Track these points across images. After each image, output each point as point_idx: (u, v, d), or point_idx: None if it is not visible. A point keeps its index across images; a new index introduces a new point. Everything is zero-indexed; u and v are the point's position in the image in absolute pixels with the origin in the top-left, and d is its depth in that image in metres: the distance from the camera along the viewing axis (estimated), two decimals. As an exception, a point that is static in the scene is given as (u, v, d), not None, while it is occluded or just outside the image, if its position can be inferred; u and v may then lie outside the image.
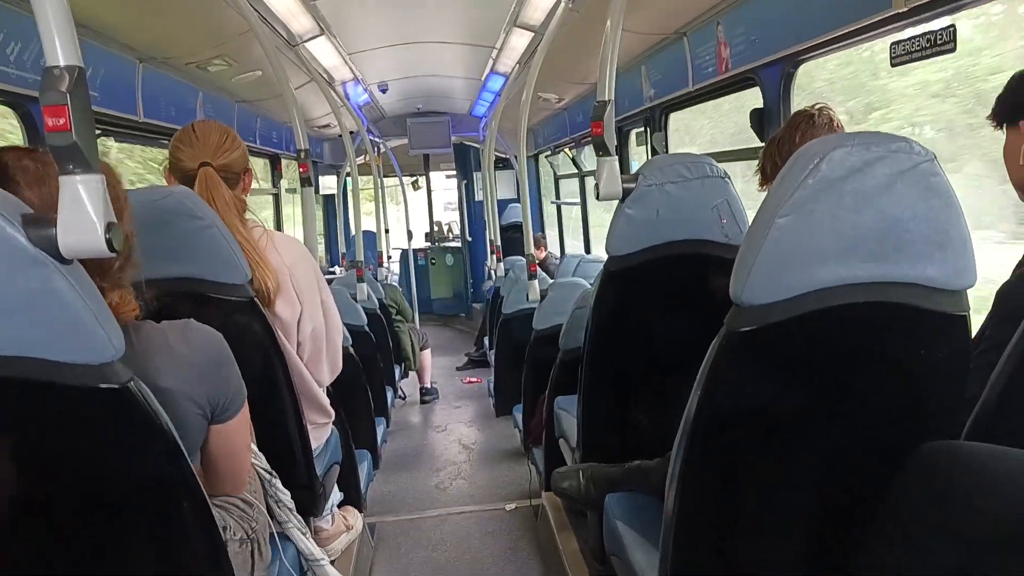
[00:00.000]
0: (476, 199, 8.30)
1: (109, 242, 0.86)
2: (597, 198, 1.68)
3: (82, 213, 0.85)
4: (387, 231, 6.87)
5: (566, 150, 6.03)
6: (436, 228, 9.27)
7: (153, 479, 1.01)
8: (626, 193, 1.66)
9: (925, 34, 1.86)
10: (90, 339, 0.88)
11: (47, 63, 0.85)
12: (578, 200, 6.03)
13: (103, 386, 0.90)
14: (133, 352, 1.08)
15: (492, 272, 5.48)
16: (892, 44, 1.98)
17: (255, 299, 1.58)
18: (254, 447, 1.54)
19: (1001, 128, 1.33)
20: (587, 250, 5.82)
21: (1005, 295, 1.30)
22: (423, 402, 5.38)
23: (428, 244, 9.11)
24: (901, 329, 1.08)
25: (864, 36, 2.11)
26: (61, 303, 0.86)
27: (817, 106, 1.74)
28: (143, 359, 1.11)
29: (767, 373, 1.08)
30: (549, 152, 6.74)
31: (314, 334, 1.87)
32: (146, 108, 3.07)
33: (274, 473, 1.56)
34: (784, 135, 1.74)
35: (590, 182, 5.77)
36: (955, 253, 1.03)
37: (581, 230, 6.02)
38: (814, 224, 0.99)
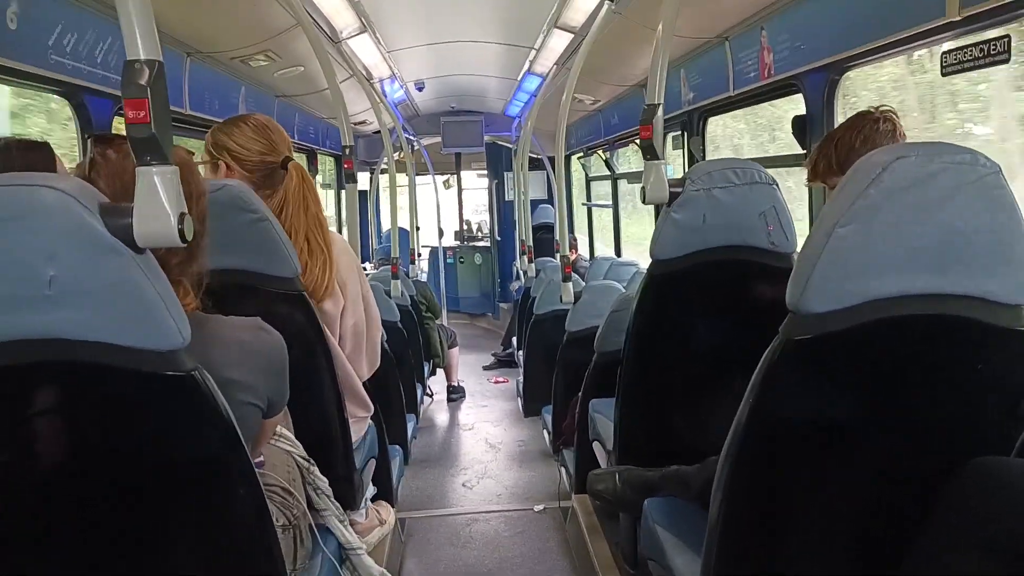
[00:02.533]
0: (506, 199, 8.31)
1: (181, 232, 0.89)
2: (644, 201, 1.68)
3: (157, 204, 0.88)
4: (418, 228, 6.92)
5: (599, 152, 6.02)
6: (466, 227, 9.30)
7: (211, 464, 1.03)
8: (672, 197, 1.66)
9: (978, 43, 1.83)
10: (160, 327, 0.90)
11: (128, 56, 0.88)
12: (609, 203, 6.01)
13: (169, 373, 0.93)
14: (200, 343, 1.11)
15: (521, 272, 5.49)
16: (944, 53, 1.95)
17: (304, 292, 1.60)
18: (291, 435, 1.57)
19: None
20: (618, 253, 5.80)
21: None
22: (450, 400, 5.40)
23: (457, 243, 9.15)
24: (959, 342, 1.07)
25: (914, 44, 2.08)
26: (134, 291, 0.88)
27: (881, 109, 1.72)
28: (209, 350, 1.13)
29: (821, 382, 1.07)
30: (581, 154, 6.73)
31: (355, 328, 1.89)
32: (192, 101, 3.12)
33: (312, 461, 1.59)
34: (843, 135, 1.71)
35: (623, 185, 5.76)
36: (1017, 267, 1.02)
37: (611, 232, 6.01)
38: (875, 234, 0.99)
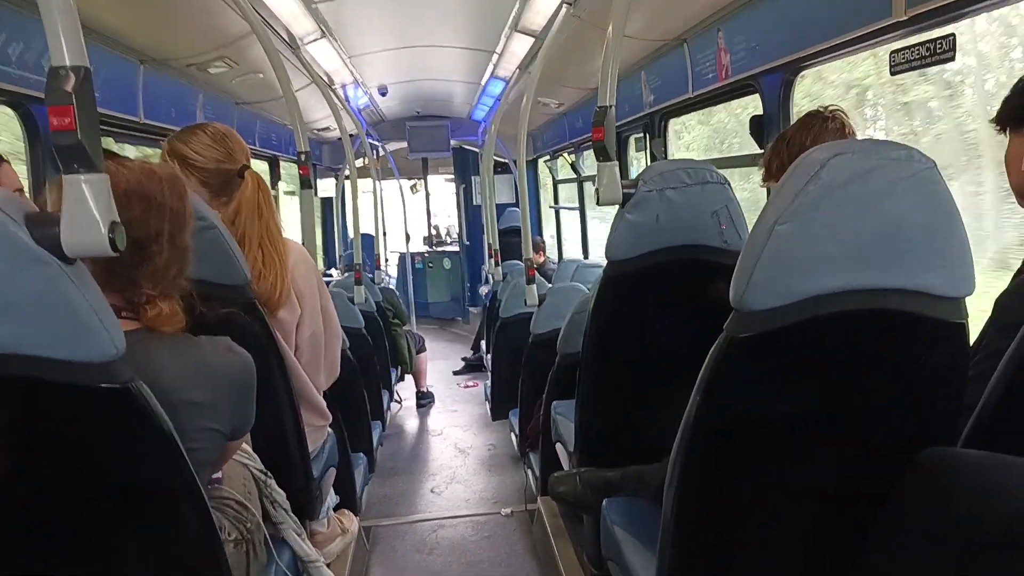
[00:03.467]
0: (474, 203, 8.30)
1: (112, 241, 0.87)
2: (597, 203, 1.68)
3: (86, 212, 0.86)
4: (384, 234, 6.87)
5: (565, 155, 6.04)
6: (434, 232, 9.27)
7: (154, 480, 1.01)
8: (626, 198, 1.66)
9: (925, 43, 1.87)
10: (92, 338, 0.88)
11: (53, 63, 0.85)
12: (576, 205, 6.03)
13: (104, 385, 0.90)
14: (164, 363, 1.10)
15: (490, 276, 5.48)
16: (892, 52, 1.99)
17: (255, 301, 1.58)
18: (248, 448, 1.55)
19: (1004, 133, 1.32)
20: (585, 255, 5.82)
21: (1004, 303, 1.30)
22: (420, 406, 5.37)
23: (426, 248, 9.11)
24: (901, 336, 1.08)
25: (864, 44, 2.11)
26: (64, 301, 0.86)
27: (830, 108, 1.74)
28: (178, 371, 1.12)
29: (766, 379, 1.08)
30: (548, 157, 6.75)
31: (313, 339, 1.87)
32: (147, 109, 3.07)
33: (269, 474, 1.56)
34: (794, 135, 1.74)
35: (589, 187, 5.78)
36: (955, 261, 1.04)
37: (579, 235, 6.03)
38: (815, 231, 1.00)
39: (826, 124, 1.72)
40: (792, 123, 2.51)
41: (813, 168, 0.99)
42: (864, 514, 1.13)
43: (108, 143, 3.10)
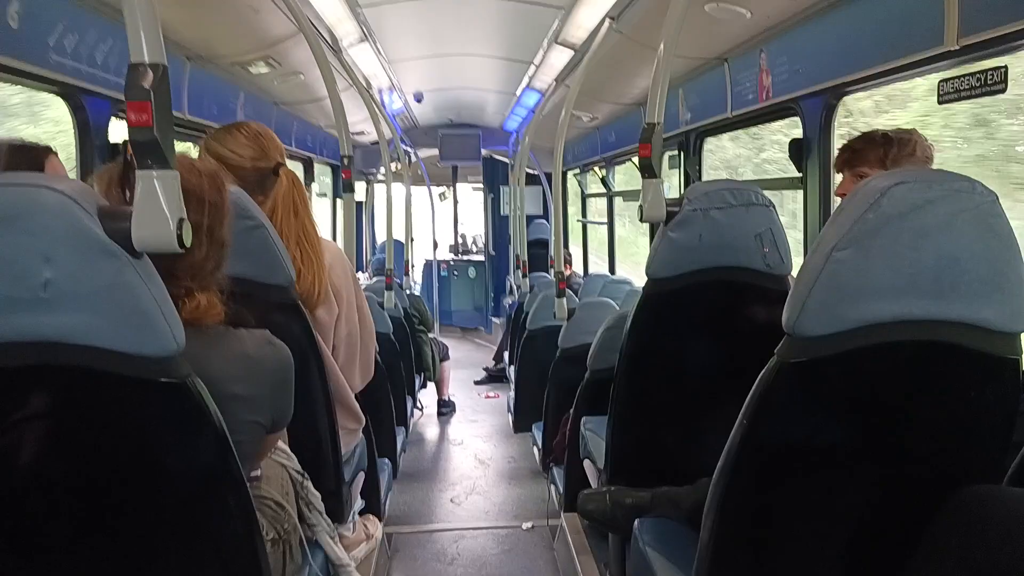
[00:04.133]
0: (501, 213, 8.32)
1: (179, 238, 0.88)
2: (641, 219, 1.68)
3: (156, 208, 0.87)
4: (412, 240, 6.91)
5: (595, 169, 6.04)
6: (460, 240, 9.31)
7: (202, 474, 1.02)
8: (670, 216, 1.66)
9: (976, 73, 1.85)
10: (154, 332, 0.90)
11: (132, 60, 0.87)
12: (604, 220, 6.03)
13: (163, 380, 0.92)
14: (207, 356, 1.12)
15: (515, 287, 5.48)
16: (940, 82, 1.97)
17: (299, 302, 1.60)
18: (286, 448, 1.56)
19: None
20: (612, 270, 5.81)
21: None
22: (440, 414, 5.37)
23: (452, 256, 9.14)
24: (952, 369, 1.07)
25: (912, 72, 2.10)
26: (130, 295, 0.88)
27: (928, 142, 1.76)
28: (215, 364, 1.13)
29: (816, 406, 1.07)
30: (578, 170, 6.75)
31: (349, 338, 1.88)
32: (191, 105, 3.12)
33: (306, 475, 1.57)
34: (887, 140, 1.76)
35: (619, 202, 5.77)
36: (1012, 295, 1.03)
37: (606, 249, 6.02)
38: (872, 259, 0.99)
39: (903, 151, 1.72)
40: (835, 147, 2.52)
41: (873, 196, 0.99)
42: (904, 546, 1.12)
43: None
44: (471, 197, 9.59)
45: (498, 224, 8.41)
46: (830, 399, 1.07)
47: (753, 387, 1.07)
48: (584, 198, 6.95)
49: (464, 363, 7.05)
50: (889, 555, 1.14)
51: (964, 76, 1.89)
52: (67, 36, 2.19)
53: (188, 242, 0.90)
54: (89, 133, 2.37)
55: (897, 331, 1.02)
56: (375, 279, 4.88)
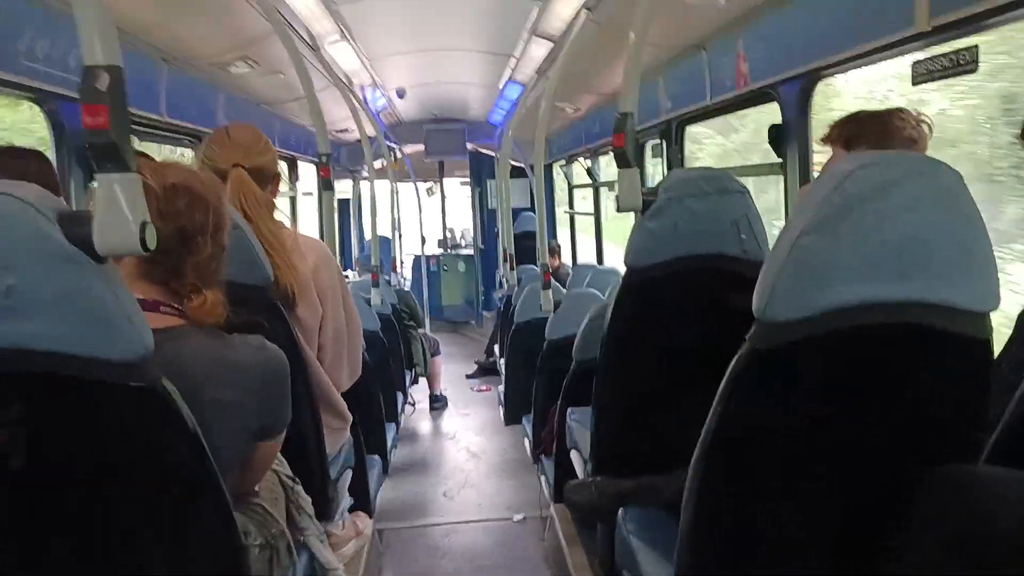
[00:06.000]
0: (489, 207, 8.32)
1: (143, 241, 0.88)
2: (617, 210, 1.68)
3: (118, 212, 0.87)
4: (400, 236, 6.90)
5: (580, 160, 6.04)
6: (449, 235, 9.29)
7: (177, 479, 1.02)
8: (646, 205, 1.66)
9: (947, 54, 1.86)
10: (121, 336, 0.89)
11: (86, 62, 0.87)
12: (591, 211, 6.03)
13: (132, 384, 0.91)
14: (202, 358, 1.14)
15: (504, 280, 5.48)
16: (914, 63, 1.98)
17: (277, 303, 1.59)
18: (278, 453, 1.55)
19: None
20: (599, 261, 5.81)
21: (1027, 319, 1.30)
22: (432, 409, 5.38)
23: (440, 251, 9.13)
24: (923, 350, 1.07)
25: (885, 54, 2.10)
26: (94, 300, 0.87)
27: (921, 117, 1.71)
28: (210, 370, 1.14)
29: (787, 390, 1.08)
30: (563, 162, 6.75)
31: (335, 337, 1.88)
32: (169, 108, 3.10)
33: (296, 480, 1.57)
34: (868, 118, 1.72)
35: (604, 193, 5.78)
36: (979, 275, 1.03)
37: (593, 241, 6.02)
38: (839, 243, 0.99)
39: (904, 128, 1.69)
40: (814, 131, 2.53)
41: (838, 180, 0.99)
42: (883, 528, 1.13)
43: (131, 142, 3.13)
44: (459, 191, 9.58)
45: (486, 218, 8.41)
46: (802, 384, 1.07)
47: (726, 374, 1.07)
48: (571, 189, 6.94)
49: (456, 357, 7.05)
50: (868, 537, 1.15)
51: (936, 57, 1.90)
52: (38, 41, 2.17)
53: (152, 245, 0.90)
54: (64, 138, 2.35)
55: (866, 314, 1.02)
56: (363, 276, 4.87)
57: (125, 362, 0.90)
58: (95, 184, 1.03)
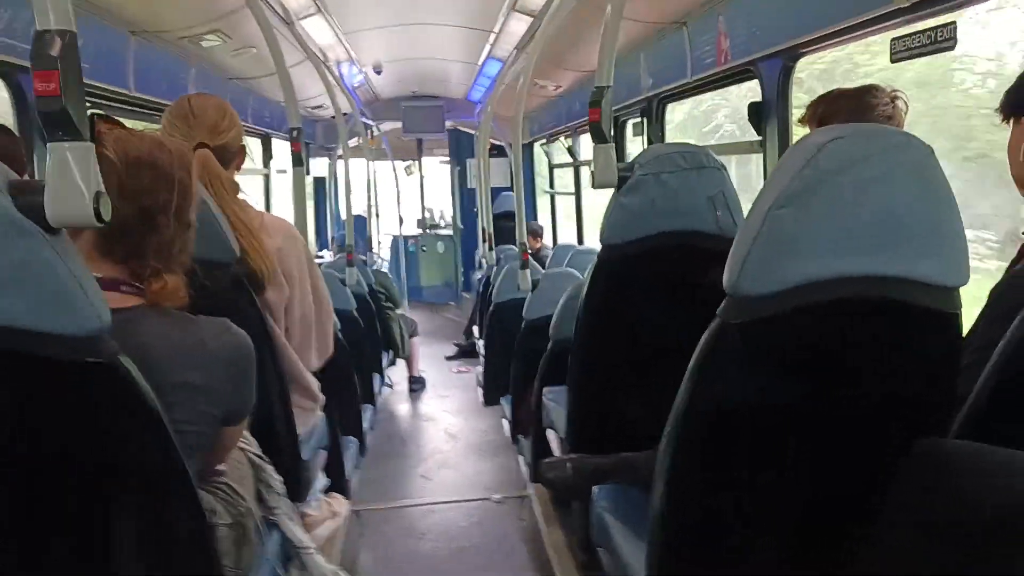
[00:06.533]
0: (469, 186, 8.26)
1: (97, 212, 0.85)
2: (593, 186, 1.67)
3: (70, 181, 0.83)
4: (377, 216, 6.83)
5: (562, 138, 6.00)
6: (428, 215, 9.23)
7: (138, 459, 0.99)
8: (622, 181, 1.65)
9: (926, 31, 1.85)
10: (75, 309, 0.86)
11: (38, 27, 0.83)
12: (572, 190, 6.00)
13: (89, 360, 0.88)
14: (168, 340, 1.11)
15: (483, 261, 5.45)
16: (892, 40, 1.97)
17: (243, 279, 1.56)
18: (245, 432, 1.53)
19: (1008, 122, 1.31)
20: (580, 241, 5.80)
21: (998, 294, 1.30)
22: (411, 390, 5.36)
23: (419, 231, 9.07)
24: (894, 325, 1.07)
25: (864, 31, 2.09)
26: (47, 273, 0.84)
27: (894, 92, 1.69)
28: (174, 352, 1.11)
29: (758, 365, 1.07)
30: (544, 140, 6.71)
31: (303, 319, 1.85)
32: (138, 82, 3.03)
33: (266, 459, 1.55)
34: (841, 95, 1.70)
35: (585, 172, 5.75)
36: (950, 250, 1.03)
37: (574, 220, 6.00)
38: (811, 216, 0.98)
39: (878, 105, 1.68)
40: (793, 110, 2.52)
41: (810, 152, 0.98)
42: (856, 504, 1.13)
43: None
44: (438, 170, 9.50)
45: (466, 197, 8.35)
46: (773, 359, 1.07)
47: (697, 349, 1.07)
48: (552, 168, 6.91)
49: (436, 338, 7.02)
50: (843, 513, 1.15)
51: (915, 34, 1.89)
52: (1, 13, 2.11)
53: (107, 216, 0.87)
54: (28, 111, 2.29)
55: (838, 288, 1.01)
56: (338, 256, 4.82)
57: (81, 336, 0.87)
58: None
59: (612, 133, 1.72)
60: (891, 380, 1.11)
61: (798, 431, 1.12)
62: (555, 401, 2.36)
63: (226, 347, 1.19)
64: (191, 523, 1.07)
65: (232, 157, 1.75)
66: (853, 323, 1.05)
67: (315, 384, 1.97)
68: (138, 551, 1.05)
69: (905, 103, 1.72)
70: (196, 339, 1.15)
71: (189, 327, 1.16)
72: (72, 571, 1.02)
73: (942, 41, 1.82)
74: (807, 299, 1.00)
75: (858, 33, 2.12)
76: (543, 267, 4.42)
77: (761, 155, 2.71)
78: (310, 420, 1.98)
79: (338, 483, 2.44)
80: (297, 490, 1.80)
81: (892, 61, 1.99)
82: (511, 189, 7.55)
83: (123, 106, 3.05)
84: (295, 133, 2.53)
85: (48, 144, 0.85)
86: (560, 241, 6.62)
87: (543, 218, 7.25)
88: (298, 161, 2.61)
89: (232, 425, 1.27)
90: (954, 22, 1.78)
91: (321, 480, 2.20)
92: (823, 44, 2.33)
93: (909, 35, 1.90)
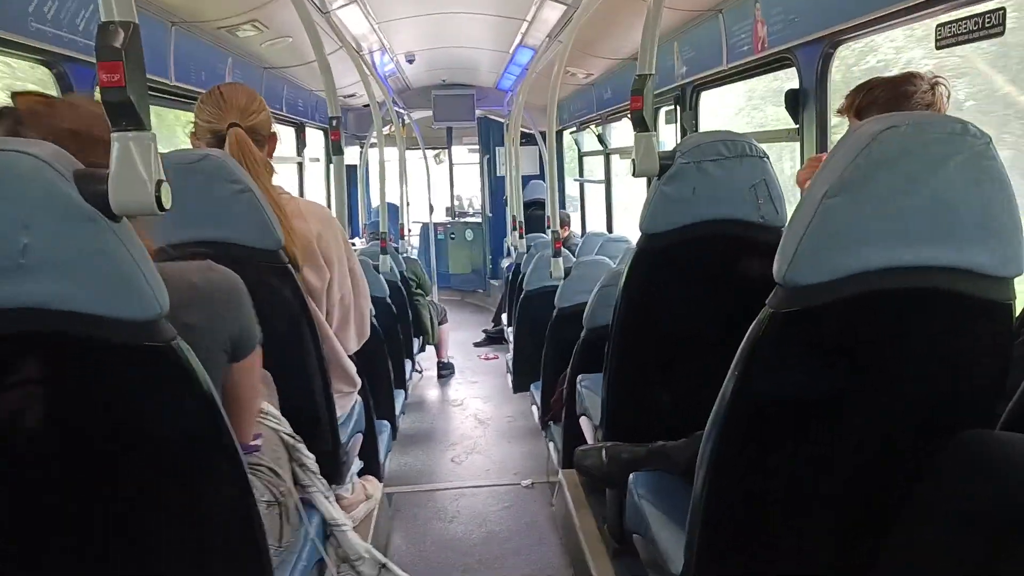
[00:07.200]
0: (498, 174, 8.26)
1: (159, 200, 0.87)
2: (633, 174, 1.66)
3: (133, 170, 0.85)
4: (408, 204, 6.86)
5: (592, 127, 5.97)
6: (457, 202, 9.24)
7: (191, 438, 1.02)
8: (663, 170, 1.64)
9: (973, 16, 1.82)
10: (136, 296, 0.89)
11: (103, 18, 0.85)
12: (602, 178, 5.98)
13: (148, 344, 0.91)
14: None
15: (512, 248, 5.45)
16: (938, 26, 1.93)
17: (288, 265, 1.58)
18: (277, 413, 1.56)
19: None
20: (609, 229, 5.78)
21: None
22: (440, 376, 5.40)
23: (448, 219, 9.09)
24: (945, 316, 1.06)
25: (909, 17, 2.06)
26: (111, 259, 0.86)
27: (935, 78, 1.65)
28: (170, 296, 1.11)
29: (807, 356, 1.07)
30: (574, 128, 6.68)
31: (343, 301, 1.88)
32: (177, 71, 3.07)
33: (299, 438, 1.58)
34: (881, 84, 1.67)
35: (615, 160, 5.72)
36: (1005, 240, 1.01)
37: (604, 209, 5.98)
38: (863, 205, 0.98)
39: (916, 92, 1.63)
40: (831, 98, 2.48)
41: (864, 141, 0.97)
42: (899, 493, 1.12)
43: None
44: (467, 159, 9.50)
45: (495, 185, 8.35)
46: (822, 348, 1.07)
47: (744, 338, 1.06)
48: (581, 156, 6.88)
49: (463, 325, 7.05)
50: (885, 503, 1.15)
51: (962, 20, 1.85)
52: (47, 3, 2.14)
53: (168, 203, 0.89)
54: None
55: (889, 278, 1.01)
56: (371, 243, 4.85)
57: (142, 321, 0.90)
58: None
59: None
60: (940, 370, 1.10)
61: (844, 420, 1.12)
62: (589, 388, 2.36)
63: (213, 283, 1.20)
64: (239, 500, 1.09)
65: (263, 141, 1.78)
66: (905, 313, 1.04)
67: (353, 368, 2.00)
68: (185, 528, 1.08)
69: (947, 89, 1.69)
70: (186, 283, 1.16)
71: (175, 273, 1.16)
72: (123, 548, 1.05)
73: (990, 27, 1.79)
74: (858, 289, 1.00)
75: (902, 19, 2.08)
76: (572, 254, 4.42)
77: (796, 144, 2.68)
78: (348, 403, 2.02)
79: (372, 466, 2.47)
80: (336, 473, 1.83)
81: (937, 48, 1.95)
82: (539, 177, 7.55)
83: (164, 95, 3.09)
84: (334, 122, 2.55)
85: (112, 134, 0.87)
86: (589, 229, 6.60)
87: (570, 206, 7.22)
88: (337, 149, 2.63)
89: (240, 360, 1.27)
90: (1003, 8, 1.74)
91: (356, 463, 2.23)
92: (865, 31, 2.29)
93: (955, 21, 1.87)
